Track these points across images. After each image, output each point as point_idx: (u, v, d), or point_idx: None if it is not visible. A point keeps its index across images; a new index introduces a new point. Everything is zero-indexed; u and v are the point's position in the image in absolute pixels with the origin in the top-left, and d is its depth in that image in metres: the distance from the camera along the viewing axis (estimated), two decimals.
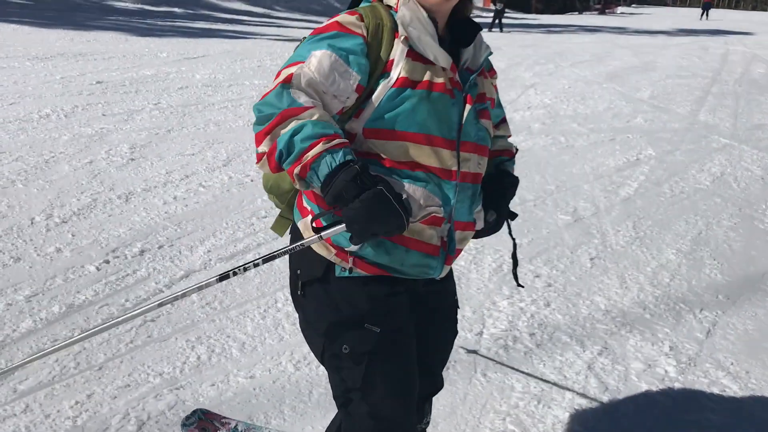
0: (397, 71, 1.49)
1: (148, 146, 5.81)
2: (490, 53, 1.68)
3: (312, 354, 2.83)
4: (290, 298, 3.34)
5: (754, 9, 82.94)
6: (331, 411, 2.46)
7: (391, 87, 1.48)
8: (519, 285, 1.98)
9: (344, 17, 1.52)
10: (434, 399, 1.96)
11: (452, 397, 2.64)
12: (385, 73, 1.49)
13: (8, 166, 5.00)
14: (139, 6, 23.18)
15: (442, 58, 1.52)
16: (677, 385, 2.84)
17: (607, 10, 52.46)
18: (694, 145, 7.27)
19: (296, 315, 3.15)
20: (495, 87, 1.76)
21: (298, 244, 1.51)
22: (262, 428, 2.37)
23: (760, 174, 6.24)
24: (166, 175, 5.11)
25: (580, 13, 54.21)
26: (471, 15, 1.68)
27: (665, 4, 75.99)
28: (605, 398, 2.72)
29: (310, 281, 1.62)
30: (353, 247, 1.50)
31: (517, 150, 1.92)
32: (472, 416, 2.56)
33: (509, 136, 1.91)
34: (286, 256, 1.59)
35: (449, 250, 1.61)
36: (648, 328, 3.31)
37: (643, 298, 3.63)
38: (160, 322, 3.07)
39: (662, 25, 32.44)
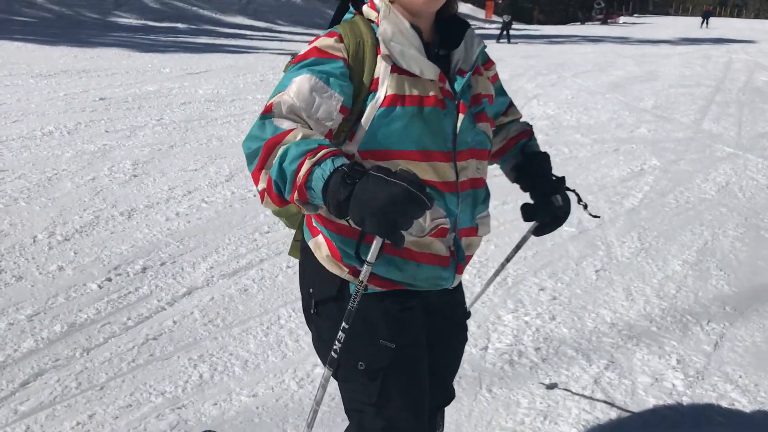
0: (384, 89, 1.45)
1: (150, 162, 5.82)
2: (484, 47, 1.64)
3: (315, 372, 2.83)
4: (293, 314, 3.34)
5: (756, 17, 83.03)
6: (335, 429, 2.44)
7: (380, 107, 1.45)
8: (594, 216, 2.03)
9: (323, 41, 1.48)
10: None
11: (457, 414, 2.61)
12: (372, 92, 1.46)
13: (11, 183, 5.01)
14: (143, 22, 23.36)
15: (429, 71, 1.48)
16: (685, 399, 2.80)
17: (609, 20, 52.62)
18: (699, 154, 7.24)
19: (299, 332, 3.16)
20: (495, 77, 1.73)
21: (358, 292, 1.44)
22: None
23: (765, 183, 6.20)
24: (169, 191, 5.11)
25: (583, 23, 54.38)
26: (456, 12, 1.62)
27: (667, 14, 76.14)
28: (612, 414, 2.68)
29: (324, 300, 1.60)
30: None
31: (531, 126, 1.90)
32: None
33: (520, 117, 1.90)
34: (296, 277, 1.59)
35: (458, 259, 1.60)
36: (655, 341, 3.27)
37: (649, 311, 3.59)
38: (162, 341, 3.05)
39: (664, 34, 32.48)
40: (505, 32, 25.60)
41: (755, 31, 36.82)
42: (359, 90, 1.46)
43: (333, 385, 2.72)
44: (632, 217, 5.10)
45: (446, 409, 1.91)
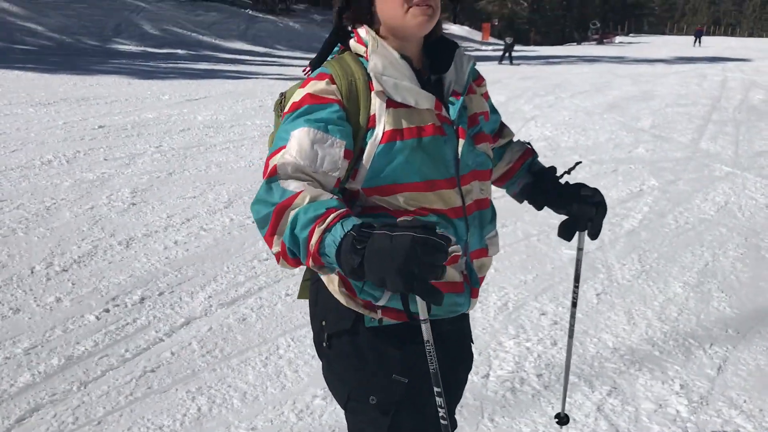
0: (381, 126, 1.44)
1: (149, 190, 5.82)
2: (474, 63, 1.63)
3: (315, 403, 2.80)
4: (292, 343, 3.32)
5: (750, 35, 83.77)
6: None
7: (379, 143, 1.44)
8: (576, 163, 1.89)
9: (315, 86, 1.45)
10: None
11: None
12: (370, 129, 1.45)
13: (9, 214, 5.00)
14: (142, 48, 23.53)
15: (424, 100, 1.47)
16: (690, 426, 2.76)
17: (605, 40, 53.06)
18: (697, 174, 7.25)
19: (298, 361, 3.13)
20: (486, 94, 1.71)
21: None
22: None
23: (764, 202, 6.20)
24: (167, 219, 5.10)
25: (579, 43, 54.84)
26: (441, 33, 1.61)
27: (663, 33, 76.81)
28: None
29: (337, 333, 1.57)
30: (382, 301, 1.46)
31: (531, 144, 1.89)
32: None
33: (513, 136, 1.88)
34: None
35: (472, 283, 1.59)
36: (657, 365, 3.24)
37: (651, 334, 3.56)
38: (161, 373, 3.02)
39: (660, 54, 32.72)
40: (507, 54, 25.99)
41: (749, 50, 37.08)
42: (357, 129, 1.45)
43: (331, 416, 2.70)
44: (632, 239, 5.09)
45: None
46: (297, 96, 1.47)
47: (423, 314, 1.33)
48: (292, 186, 1.34)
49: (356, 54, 1.52)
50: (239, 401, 2.83)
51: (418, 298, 1.29)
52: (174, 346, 3.26)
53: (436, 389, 1.40)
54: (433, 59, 1.57)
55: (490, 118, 1.72)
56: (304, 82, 1.50)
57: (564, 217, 1.77)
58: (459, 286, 1.55)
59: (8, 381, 2.91)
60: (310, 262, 1.30)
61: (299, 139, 1.39)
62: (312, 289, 1.66)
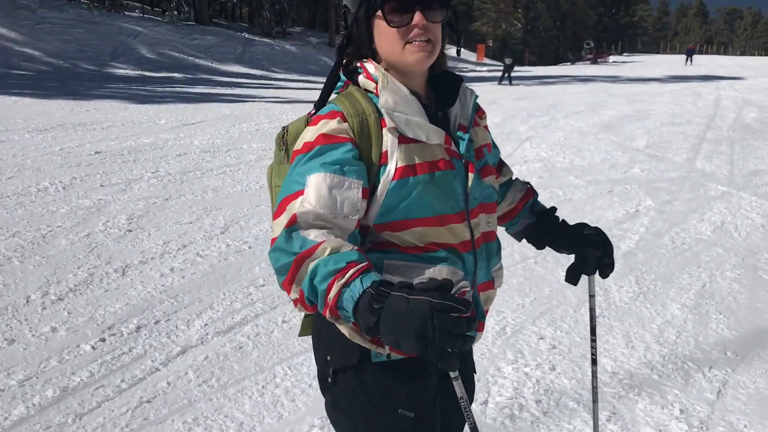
0: (394, 162, 1.44)
1: (145, 216, 5.81)
2: (476, 97, 1.64)
3: None
4: (288, 372, 3.29)
5: (742, 54, 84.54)
6: None
7: (392, 180, 1.44)
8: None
9: (327, 125, 1.45)
10: None
11: None
12: (383, 165, 1.45)
13: (5, 242, 4.99)
14: (139, 72, 23.64)
15: (434, 135, 1.48)
16: None
17: (599, 60, 53.52)
18: (693, 193, 7.27)
19: (295, 390, 3.11)
20: (487, 127, 1.72)
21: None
22: None
23: (760, 222, 6.21)
24: (164, 245, 5.09)
25: (573, 63, 55.28)
26: (446, 67, 1.62)
27: (657, 52, 77.50)
28: None
29: (342, 368, 1.56)
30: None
31: (531, 184, 1.91)
32: None
33: (513, 174, 1.90)
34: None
35: (479, 316, 1.58)
36: (657, 389, 3.22)
37: (650, 358, 3.55)
38: (157, 404, 3.00)
39: (654, 72, 32.98)
40: (506, 74, 26.40)
41: (742, 68, 37.40)
42: (370, 166, 1.45)
43: None
44: (629, 260, 5.08)
45: None
46: (309, 135, 1.46)
47: (453, 373, 1.31)
48: (313, 235, 1.34)
49: (365, 89, 1.52)
50: None
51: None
52: (170, 376, 3.23)
53: None
54: (438, 93, 1.58)
55: (493, 151, 1.74)
56: (314, 119, 1.49)
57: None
58: None
59: (2, 414, 2.88)
60: (327, 314, 1.30)
61: (317, 185, 1.38)
62: (316, 323, 1.65)
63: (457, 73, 1.62)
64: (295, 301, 1.37)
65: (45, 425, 2.81)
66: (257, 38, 35.39)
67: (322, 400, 1.67)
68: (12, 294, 4.11)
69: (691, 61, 44.42)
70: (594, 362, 1.89)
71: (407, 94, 1.49)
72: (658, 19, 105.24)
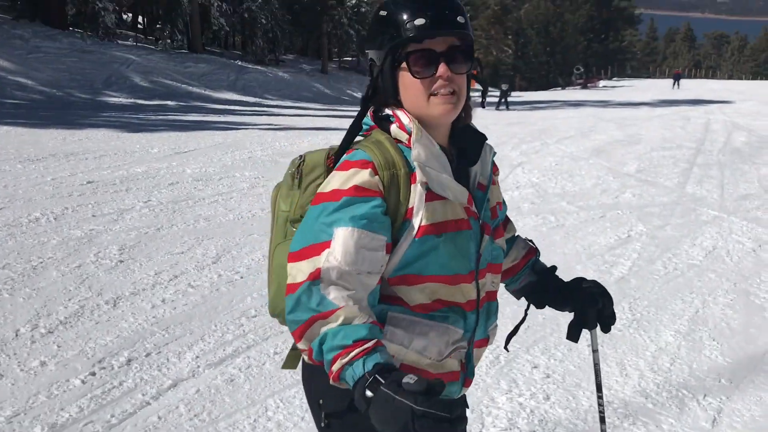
0: (419, 219, 1.44)
1: (137, 246, 5.79)
2: (494, 154, 1.65)
3: None
4: (281, 404, 3.27)
5: (729, 78, 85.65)
6: None
7: (415, 237, 1.44)
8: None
9: (358, 175, 1.43)
10: None
11: None
12: (407, 220, 1.45)
13: None
14: (132, 100, 23.69)
15: (460, 194, 1.48)
16: None
17: (589, 84, 54.12)
18: (684, 218, 7.30)
19: (287, 423, 3.09)
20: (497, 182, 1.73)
21: None
22: None
23: (751, 246, 6.24)
24: (155, 276, 5.06)
25: (563, 88, 55.82)
26: (470, 121, 1.61)
27: (648, 76, 78.38)
28: None
29: (335, 413, 1.55)
30: None
31: (533, 242, 1.92)
32: None
33: (516, 231, 1.90)
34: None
35: (468, 373, 1.60)
36: (651, 419, 3.21)
37: (644, 386, 3.53)
38: None
39: (644, 97, 33.32)
40: (503, 100, 26.91)
41: (730, 92, 37.84)
42: (394, 220, 1.45)
43: None
44: (622, 287, 5.09)
45: None
46: (338, 182, 1.44)
47: None
48: (332, 296, 1.35)
49: (396, 139, 1.51)
50: None
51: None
52: (161, 410, 3.20)
53: None
54: (460, 148, 1.57)
55: (502, 208, 1.74)
56: (344, 164, 1.47)
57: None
58: (456, 375, 1.57)
59: None
60: (331, 379, 1.34)
61: (344, 241, 1.38)
62: (305, 366, 1.63)
63: (479, 129, 1.61)
64: (303, 351, 1.40)
65: None
66: (250, 66, 35.59)
67: None
68: (1, 328, 4.07)
69: (678, 85, 45.06)
70: (602, 420, 1.85)
71: (438, 150, 1.48)
72: (647, 44, 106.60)
